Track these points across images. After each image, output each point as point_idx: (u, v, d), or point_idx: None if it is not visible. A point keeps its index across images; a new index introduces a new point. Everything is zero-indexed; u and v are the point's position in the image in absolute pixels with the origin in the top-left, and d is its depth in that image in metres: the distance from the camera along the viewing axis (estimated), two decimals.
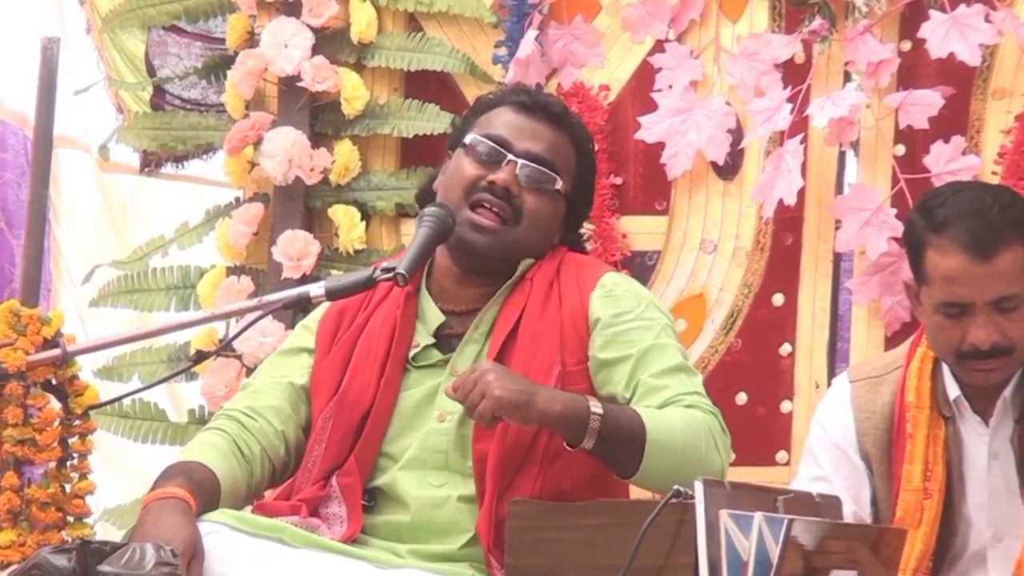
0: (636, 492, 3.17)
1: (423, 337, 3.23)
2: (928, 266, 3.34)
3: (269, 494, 3.30)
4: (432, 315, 3.25)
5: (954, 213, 3.32)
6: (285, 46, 4.57)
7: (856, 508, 3.43)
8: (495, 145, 3.24)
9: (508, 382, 2.94)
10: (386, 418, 3.17)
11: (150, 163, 4.98)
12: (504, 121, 3.29)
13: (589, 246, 4.33)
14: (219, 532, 2.93)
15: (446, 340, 3.23)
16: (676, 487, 2.60)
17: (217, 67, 4.77)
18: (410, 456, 3.14)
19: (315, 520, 3.12)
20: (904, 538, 2.93)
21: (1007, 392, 3.37)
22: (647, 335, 3.15)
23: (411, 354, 3.21)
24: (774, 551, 2.56)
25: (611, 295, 3.21)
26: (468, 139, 3.28)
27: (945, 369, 3.43)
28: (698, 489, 2.53)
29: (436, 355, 3.21)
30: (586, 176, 3.35)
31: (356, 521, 3.11)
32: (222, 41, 4.77)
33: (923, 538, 3.36)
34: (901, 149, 4.24)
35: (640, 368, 3.11)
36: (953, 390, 3.41)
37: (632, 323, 3.17)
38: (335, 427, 3.19)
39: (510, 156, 3.23)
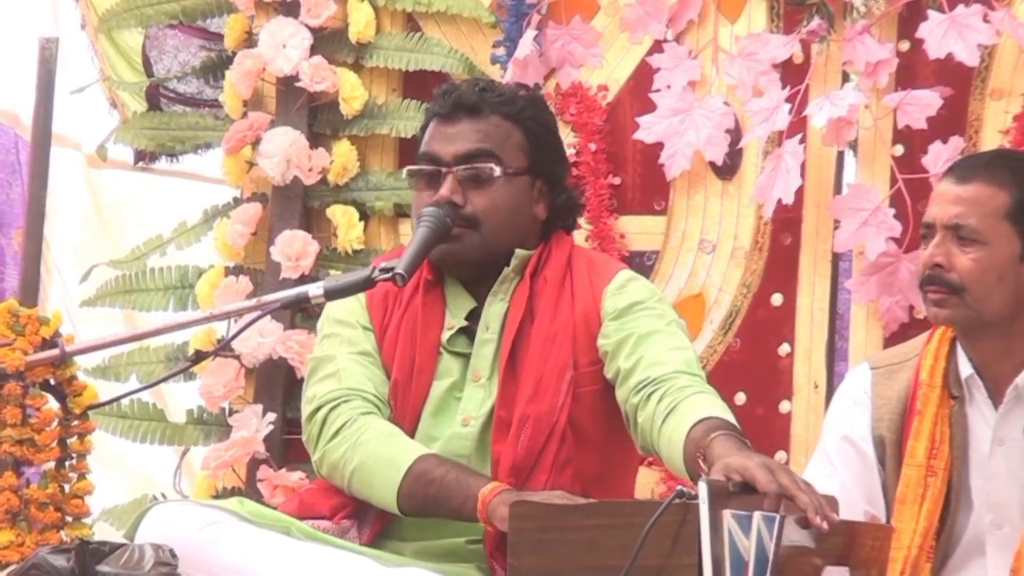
0: (639, 491, 3.17)
1: (457, 320, 3.23)
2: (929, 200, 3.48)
3: None
4: (462, 298, 3.26)
5: (966, 158, 3.52)
6: (283, 46, 4.57)
7: (869, 507, 3.43)
8: (427, 166, 3.25)
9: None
10: (418, 412, 3.18)
11: (144, 156, 4.97)
12: (431, 136, 3.28)
13: (587, 246, 4.34)
14: (226, 522, 2.94)
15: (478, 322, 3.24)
16: (679, 487, 2.61)
17: (215, 67, 4.77)
18: None
19: (346, 522, 3.12)
20: (891, 536, 2.93)
21: (1019, 379, 3.36)
22: (658, 322, 3.17)
23: (445, 337, 3.22)
24: (771, 549, 2.56)
25: (624, 289, 3.23)
26: (407, 170, 3.31)
27: (960, 349, 3.43)
28: (702, 489, 2.53)
29: (466, 343, 3.22)
30: (539, 137, 3.29)
31: (379, 521, 3.12)
32: (220, 37, 4.77)
33: (926, 515, 3.36)
34: (899, 149, 4.24)
35: (644, 345, 3.11)
36: (965, 368, 3.41)
37: (642, 312, 3.18)
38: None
39: (444, 169, 3.22)
